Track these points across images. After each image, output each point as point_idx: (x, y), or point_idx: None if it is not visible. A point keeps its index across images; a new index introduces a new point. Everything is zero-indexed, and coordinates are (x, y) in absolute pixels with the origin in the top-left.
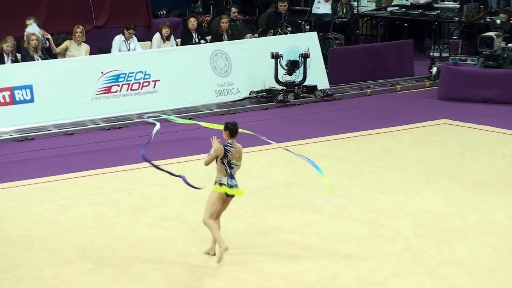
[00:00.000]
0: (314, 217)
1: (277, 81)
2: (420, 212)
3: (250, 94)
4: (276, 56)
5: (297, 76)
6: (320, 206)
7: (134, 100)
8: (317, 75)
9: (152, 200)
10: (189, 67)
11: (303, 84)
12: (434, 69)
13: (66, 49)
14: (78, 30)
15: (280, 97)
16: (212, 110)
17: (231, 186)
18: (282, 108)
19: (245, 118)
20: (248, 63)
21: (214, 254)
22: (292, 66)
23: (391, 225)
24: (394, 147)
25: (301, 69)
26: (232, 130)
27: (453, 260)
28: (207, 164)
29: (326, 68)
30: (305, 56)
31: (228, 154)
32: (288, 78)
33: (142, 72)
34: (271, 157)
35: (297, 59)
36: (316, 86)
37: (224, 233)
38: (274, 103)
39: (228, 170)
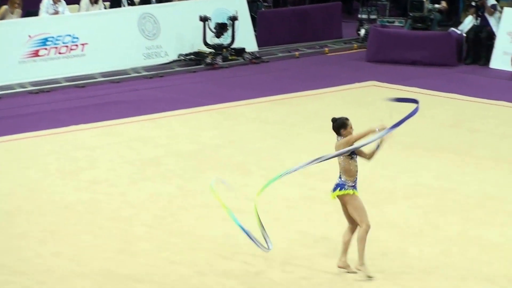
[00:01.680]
0: (243, 179)
1: (206, 44)
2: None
3: (178, 57)
4: (204, 19)
5: (225, 39)
6: (249, 168)
7: (62, 64)
8: (245, 37)
9: (80, 163)
10: (117, 31)
11: (232, 47)
12: (362, 31)
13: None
14: (17, 1)
15: (208, 60)
16: (140, 73)
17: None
18: (210, 71)
19: (174, 81)
20: (176, 26)
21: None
22: (221, 29)
23: (321, 187)
24: (323, 109)
25: (230, 31)
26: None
27: (383, 221)
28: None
29: (255, 30)
30: (234, 18)
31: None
32: (217, 40)
33: (70, 35)
34: (199, 120)
35: (226, 21)
36: (244, 48)
37: (151, 196)
38: (203, 66)
39: (356, 168)
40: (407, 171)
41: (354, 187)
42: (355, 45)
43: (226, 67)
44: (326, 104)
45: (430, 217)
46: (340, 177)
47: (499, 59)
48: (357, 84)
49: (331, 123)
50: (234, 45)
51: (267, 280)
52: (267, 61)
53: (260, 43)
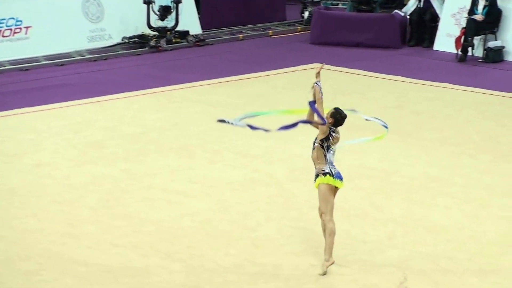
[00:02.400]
0: (187, 162)
1: (149, 26)
2: (293, 157)
3: (122, 40)
4: (148, 2)
5: (169, 22)
6: (193, 151)
7: (6, 47)
8: (189, 20)
9: (25, 146)
10: (61, 14)
11: (175, 30)
12: (306, 14)
13: None
14: None
15: (152, 43)
16: (84, 56)
17: (336, 174)
18: (154, 53)
19: (118, 64)
20: (120, 9)
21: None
22: (164, 12)
23: (264, 169)
24: (267, 92)
25: (173, 14)
26: (338, 120)
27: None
28: (314, 122)
29: (199, 13)
30: (177, 1)
31: (330, 138)
32: (160, 23)
33: (13, 18)
34: (144, 102)
35: (169, 4)
36: (188, 31)
37: (95, 179)
38: (147, 48)
39: (327, 156)
40: (351, 153)
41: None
42: (298, 27)
43: (170, 50)
44: (270, 87)
45: (374, 199)
46: (333, 165)
47: (443, 41)
48: (301, 66)
49: (342, 119)
50: (178, 28)
51: (211, 263)
52: (211, 44)
53: (204, 25)
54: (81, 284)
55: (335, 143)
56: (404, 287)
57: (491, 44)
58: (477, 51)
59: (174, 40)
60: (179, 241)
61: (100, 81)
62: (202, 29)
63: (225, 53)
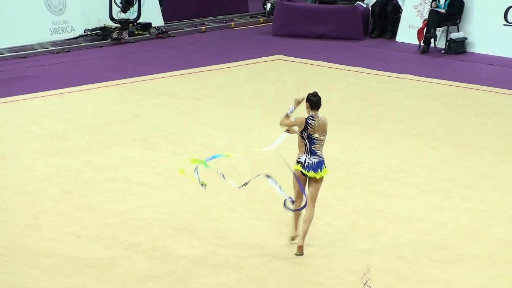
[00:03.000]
0: (150, 154)
1: (112, 18)
2: (255, 148)
3: (84, 32)
4: None
5: (131, 14)
6: (156, 142)
7: None
8: (151, 12)
9: None
10: (24, 6)
11: (138, 22)
12: (268, 5)
13: None
14: None
15: (114, 35)
16: (47, 48)
17: (308, 166)
18: (117, 46)
19: (81, 56)
20: (82, 1)
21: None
22: (127, 4)
23: (227, 161)
24: (229, 83)
25: (136, 6)
26: (312, 101)
27: (288, 194)
28: (282, 124)
29: (161, 5)
30: None
31: (308, 127)
32: (123, 15)
33: None
34: (106, 95)
35: None
36: (150, 23)
37: (58, 171)
38: (109, 41)
39: (308, 146)
40: None
41: None
42: (261, 19)
43: (133, 42)
44: (232, 78)
45: (337, 190)
46: (317, 154)
47: (405, 33)
48: (263, 58)
49: (313, 97)
50: (140, 20)
51: (174, 254)
52: (174, 36)
53: (166, 17)
54: (45, 276)
55: (318, 131)
56: (367, 278)
57: (454, 35)
58: (440, 43)
59: (136, 32)
60: (142, 232)
61: (62, 73)
62: (165, 21)
63: (188, 45)
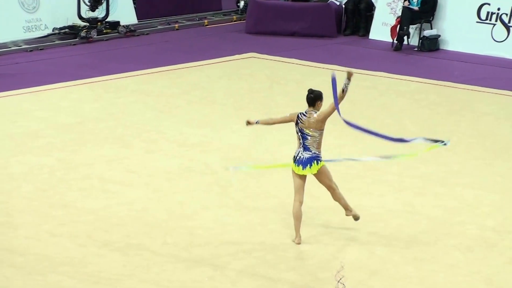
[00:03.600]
0: (124, 152)
1: (80, 17)
2: (229, 146)
3: (53, 31)
4: None
5: (100, 12)
6: (130, 140)
7: None
8: (125, 10)
9: None
10: None
11: (106, 20)
12: (242, 3)
13: None
14: None
15: (83, 34)
16: (21, 46)
17: (298, 160)
18: (91, 44)
19: (54, 54)
20: None
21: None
22: (95, 2)
23: (201, 159)
24: (203, 81)
25: (104, 5)
26: (306, 97)
27: (261, 192)
28: (269, 122)
29: (134, 3)
30: None
31: (299, 122)
32: (91, 14)
33: None
34: (80, 92)
35: None
36: (119, 22)
37: (32, 169)
38: (77, 39)
39: (301, 140)
40: (286, 143)
41: None
42: (234, 17)
43: (106, 40)
44: (205, 76)
45: (310, 187)
46: (310, 150)
47: (378, 30)
48: (236, 56)
49: (308, 93)
50: (113, 18)
51: (148, 252)
52: (147, 34)
53: (140, 15)
54: (19, 274)
55: (308, 127)
56: (341, 276)
57: (427, 33)
58: (413, 40)
59: (105, 31)
60: (116, 230)
61: (36, 71)
62: (138, 19)
63: (161, 43)
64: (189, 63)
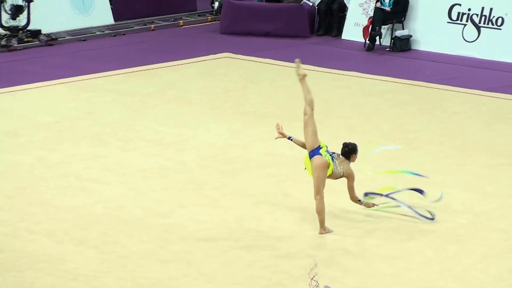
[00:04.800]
0: (101, 150)
1: (1, 25)
2: (204, 144)
3: None
4: (0, 1)
5: (20, 21)
6: (106, 139)
7: None
8: (102, 11)
9: None
10: None
11: (27, 29)
12: (216, 4)
13: None
14: None
15: (3, 42)
16: None
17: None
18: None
19: (26, 55)
20: None
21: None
22: (16, 11)
23: (176, 157)
24: (178, 80)
25: (25, 13)
26: (341, 151)
27: (236, 191)
28: (299, 145)
29: (111, 3)
30: (29, 0)
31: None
32: (13, 22)
33: None
34: (57, 92)
35: (21, 3)
36: (40, 30)
37: (10, 167)
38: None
39: None
40: (260, 140)
41: None
42: (209, 17)
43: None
44: (181, 76)
45: (284, 186)
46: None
47: (351, 30)
48: (211, 56)
49: (342, 147)
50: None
51: (125, 249)
52: (124, 34)
53: (116, 16)
54: None
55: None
56: (315, 273)
57: (399, 33)
58: (385, 40)
59: (25, 40)
60: (93, 227)
61: (11, 72)
62: (115, 20)
63: (137, 43)
64: (164, 63)
